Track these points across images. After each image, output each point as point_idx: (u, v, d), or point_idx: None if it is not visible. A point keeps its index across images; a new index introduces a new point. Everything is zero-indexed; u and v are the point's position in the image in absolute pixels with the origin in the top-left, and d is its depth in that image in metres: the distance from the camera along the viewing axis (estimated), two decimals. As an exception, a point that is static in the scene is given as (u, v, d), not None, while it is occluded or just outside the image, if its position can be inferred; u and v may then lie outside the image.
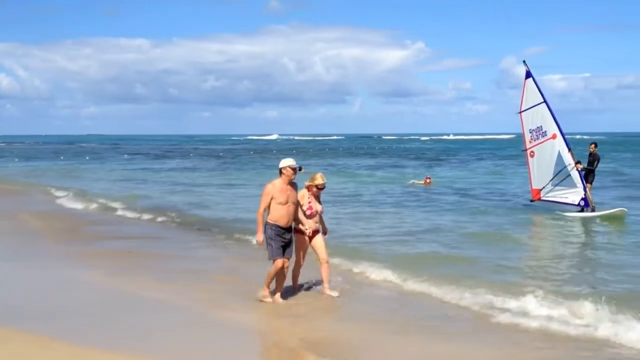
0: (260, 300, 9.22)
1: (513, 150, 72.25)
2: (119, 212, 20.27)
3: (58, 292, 10.02)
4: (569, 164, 18.92)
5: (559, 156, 19.35)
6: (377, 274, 11.11)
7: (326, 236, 9.88)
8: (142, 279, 10.94)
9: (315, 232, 9.68)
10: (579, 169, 18.82)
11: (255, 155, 70.61)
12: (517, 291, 9.45)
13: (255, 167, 47.31)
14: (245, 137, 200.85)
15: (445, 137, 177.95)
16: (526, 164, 20.56)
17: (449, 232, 15.77)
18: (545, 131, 19.60)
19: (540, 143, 19.86)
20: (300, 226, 9.50)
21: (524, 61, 20.35)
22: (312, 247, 9.70)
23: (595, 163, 19.32)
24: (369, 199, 24.09)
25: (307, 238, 9.58)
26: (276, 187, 9.15)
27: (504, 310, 8.73)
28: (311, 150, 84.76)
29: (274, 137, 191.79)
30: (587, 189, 18.78)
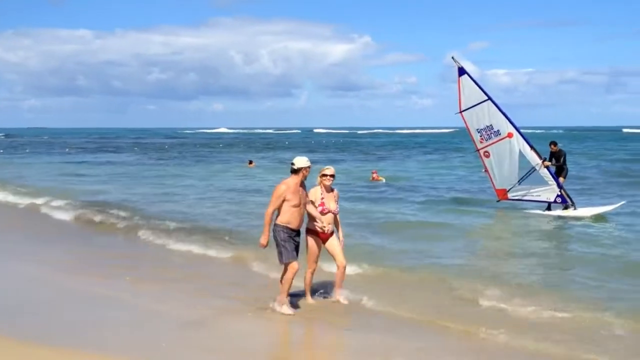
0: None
1: (458, 143, 73.64)
2: (54, 206, 19.81)
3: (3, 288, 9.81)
4: (537, 164, 18.38)
5: (522, 155, 18.71)
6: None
7: (342, 240, 9.12)
8: (86, 276, 10.81)
9: (330, 233, 8.97)
10: (547, 167, 18.31)
11: (202, 148, 69.83)
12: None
13: (201, 160, 46.89)
14: (196, 131, 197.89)
15: (391, 131, 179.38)
16: (482, 164, 19.73)
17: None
18: (498, 130, 18.83)
19: (494, 143, 19.05)
20: (315, 223, 8.80)
21: (452, 57, 19.25)
22: (328, 250, 8.99)
23: (562, 159, 18.74)
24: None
25: (320, 238, 8.88)
26: (290, 188, 8.51)
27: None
28: (258, 144, 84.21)
29: (223, 130, 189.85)
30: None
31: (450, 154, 54.38)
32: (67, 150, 66.04)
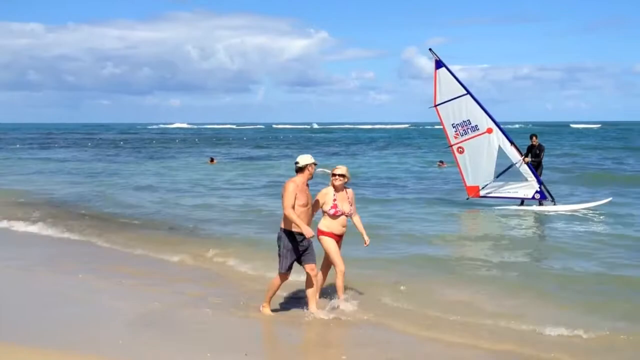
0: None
1: (414, 138, 74.40)
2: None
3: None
4: (518, 161, 18.11)
5: (501, 151, 18.34)
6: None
7: (367, 244, 8.68)
8: (40, 274, 10.72)
9: (341, 236, 8.55)
10: (527, 162, 18.09)
11: (158, 144, 68.94)
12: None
13: (157, 156, 46.31)
14: (153, 126, 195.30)
15: (350, 126, 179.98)
16: (454, 160, 19.22)
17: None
18: (476, 125, 18.36)
19: (470, 138, 18.55)
20: (334, 224, 8.41)
21: (430, 49, 18.72)
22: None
23: (542, 154, 18.61)
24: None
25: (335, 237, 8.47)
26: (298, 186, 8.06)
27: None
28: (214, 139, 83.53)
29: (180, 125, 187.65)
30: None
31: (406, 149, 55.04)
32: (17, 145, 64.41)
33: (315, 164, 8.23)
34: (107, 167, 35.65)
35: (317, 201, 8.47)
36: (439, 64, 18.59)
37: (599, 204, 17.70)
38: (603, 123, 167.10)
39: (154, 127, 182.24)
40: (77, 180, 26.98)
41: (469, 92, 18.47)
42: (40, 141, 74.52)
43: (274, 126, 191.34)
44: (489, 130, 18.36)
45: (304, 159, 8.20)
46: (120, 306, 8.67)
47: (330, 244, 8.45)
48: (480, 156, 18.53)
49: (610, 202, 17.83)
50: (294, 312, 8.56)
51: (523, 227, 16.08)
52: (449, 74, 18.57)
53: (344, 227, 8.49)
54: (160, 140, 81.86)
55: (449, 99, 18.56)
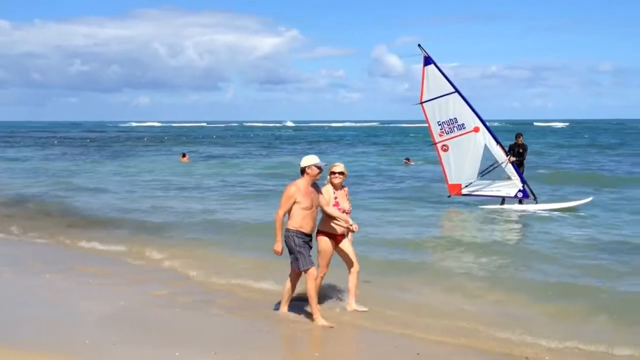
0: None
1: (383, 136, 74.66)
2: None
3: None
4: (504, 161, 18.09)
5: (486, 150, 18.27)
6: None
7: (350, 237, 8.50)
8: (13, 274, 10.63)
9: (343, 235, 8.37)
10: (512, 162, 18.13)
11: (126, 142, 68.20)
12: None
13: (125, 154, 45.84)
14: (121, 124, 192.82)
15: (320, 124, 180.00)
16: (438, 158, 18.98)
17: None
18: (463, 124, 18.20)
19: (456, 136, 18.38)
20: (336, 224, 8.18)
21: (419, 45, 18.45)
22: (339, 254, 8.40)
23: (525, 154, 18.73)
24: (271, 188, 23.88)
25: (332, 242, 8.27)
26: (300, 189, 7.88)
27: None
28: (184, 137, 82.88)
29: (150, 124, 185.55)
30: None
31: (375, 147, 55.49)
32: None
33: (316, 166, 7.93)
34: (71, 166, 35.16)
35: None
36: (427, 61, 18.31)
37: (580, 203, 17.85)
38: (569, 121, 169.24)
39: (123, 125, 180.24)
40: (40, 180, 26.53)
41: (457, 90, 18.27)
42: (4, 140, 73.16)
43: (245, 124, 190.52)
44: (476, 129, 18.22)
45: (304, 161, 7.99)
46: (88, 306, 8.62)
47: (325, 246, 8.26)
48: (465, 154, 18.39)
49: (590, 201, 17.95)
50: (267, 311, 8.58)
51: (497, 227, 15.98)
52: (437, 71, 18.31)
53: (338, 226, 8.28)
54: (129, 138, 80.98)
55: (436, 96, 18.33)
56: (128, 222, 16.09)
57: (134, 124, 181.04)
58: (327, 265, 8.34)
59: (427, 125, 18.70)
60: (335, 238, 8.29)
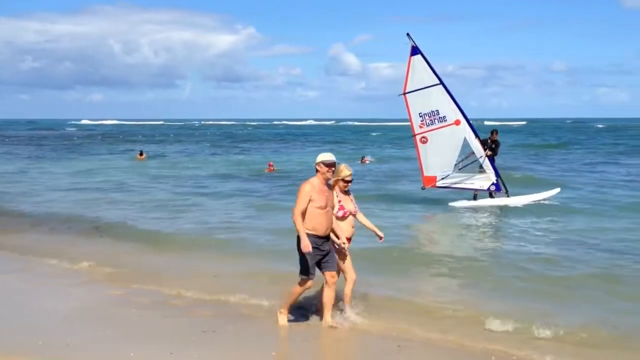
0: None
1: (339, 135, 74.86)
2: None
3: None
4: (482, 155, 18.17)
5: (465, 143, 18.23)
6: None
7: (381, 240, 8.19)
8: None
9: (349, 239, 8.00)
10: (488, 156, 18.23)
11: (79, 141, 67.02)
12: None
13: (77, 153, 45.07)
14: (75, 122, 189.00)
15: (278, 122, 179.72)
16: (415, 150, 18.79)
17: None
18: (444, 116, 18.05)
19: (436, 129, 18.23)
20: (338, 228, 7.79)
21: (407, 34, 18.11)
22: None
23: (497, 149, 18.89)
24: (232, 187, 23.70)
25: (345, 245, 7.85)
26: (315, 187, 7.45)
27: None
28: (140, 136, 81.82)
29: (105, 122, 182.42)
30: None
31: (330, 145, 55.80)
32: None
33: (324, 163, 7.50)
34: (20, 166, 34.20)
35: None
36: (414, 51, 18.00)
37: (549, 195, 18.41)
38: (522, 120, 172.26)
39: (77, 122, 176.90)
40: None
41: (442, 82, 18.06)
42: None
43: (203, 122, 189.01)
44: (457, 122, 18.07)
45: (318, 158, 7.58)
46: (41, 307, 8.51)
47: (342, 252, 7.91)
48: (443, 147, 18.22)
49: (558, 192, 18.70)
50: (222, 311, 8.54)
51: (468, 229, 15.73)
52: (423, 61, 18.02)
53: (353, 227, 8.03)
54: (82, 136, 79.53)
55: (420, 87, 18.10)
56: (79, 221, 15.87)
57: (87, 122, 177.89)
58: (338, 273, 7.88)
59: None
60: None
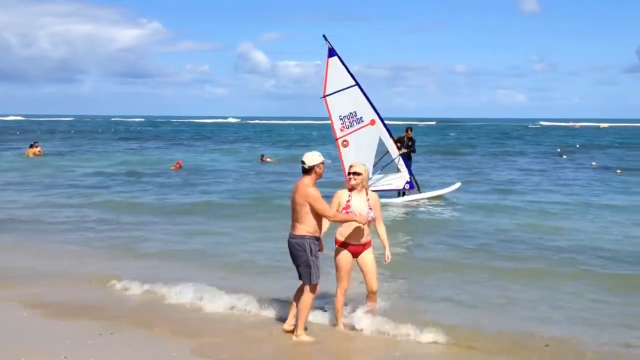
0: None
1: (243, 133, 74.63)
2: None
3: None
4: (397, 155, 18.31)
5: (381, 143, 18.22)
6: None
7: (388, 261, 7.62)
8: None
9: (363, 245, 7.51)
10: (401, 154, 18.42)
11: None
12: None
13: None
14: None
15: (185, 120, 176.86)
16: (338, 154, 18.35)
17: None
18: (361, 117, 18.03)
19: (355, 130, 18.15)
20: (341, 231, 7.47)
21: (323, 35, 18.09)
22: (359, 266, 7.60)
23: (413, 146, 19.28)
24: (158, 181, 23.13)
25: (349, 253, 7.48)
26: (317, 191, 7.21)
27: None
28: (39, 132, 78.51)
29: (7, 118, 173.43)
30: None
31: (234, 144, 55.79)
32: None
33: (323, 163, 7.32)
34: None
35: (333, 204, 7.48)
36: (331, 52, 17.96)
37: (452, 189, 19.40)
38: (430, 120, 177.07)
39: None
40: None
41: (357, 84, 18.11)
42: None
43: (108, 119, 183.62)
44: (372, 122, 18.11)
45: (311, 159, 7.27)
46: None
47: (340, 258, 7.51)
48: (361, 149, 18.14)
49: (459, 187, 19.76)
50: (115, 313, 8.43)
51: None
52: (339, 63, 18.04)
53: (346, 233, 7.48)
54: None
55: (338, 89, 18.05)
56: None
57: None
58: (346, 280, 7.56)
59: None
60: (349, 249, 7.52)
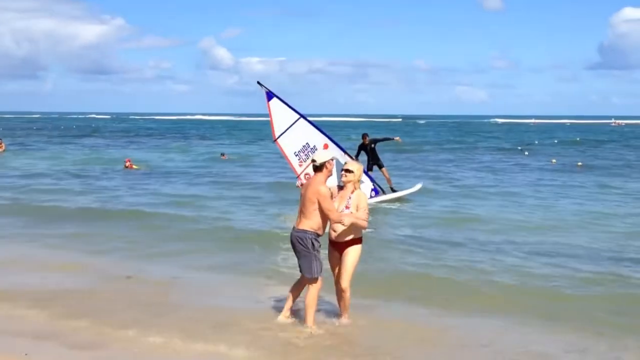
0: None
1: (207, 130, 74.11)
2: None
3: None
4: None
5: (338, 163, 18.10)
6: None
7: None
8: None
9: (345, 243, 7.59)
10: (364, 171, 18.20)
11: None
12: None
13: None
14: None
15: (147, 117, 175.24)
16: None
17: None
18: (314, 146, 18.07)
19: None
20: (331, 229, 7.59)
21: (258, 82, 18.29)
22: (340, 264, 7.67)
23: (374, 148, 19.65)
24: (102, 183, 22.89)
25: (334, 249, 7.65)
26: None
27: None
28: (1, 128, 76.89)
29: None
30: (386, 173, 19.73)
31: (196, 140, 55.63)
32: None
33: (333, 160, 7.55)
34: None
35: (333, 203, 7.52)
36: (270, 96, 18.16)
37: (414, 190, 19.62)
38: (388, 116, 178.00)
39: None
40: None
41: (301, 115, 18.23)
42: None
43: (69, 116, 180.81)
44: (325, 147, 18.17)
45: (321, 156, 7.51)
46: None
47: (329, 257, 7.74)
48: None
49: (420, 188, 19.85)
50: (79, 308, 8.38)
51: None
52: (280, 102, 18.22)
53: (335, 231, 7.59)
54: None
55: (286, 128, 18.16)
56: None
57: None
58: (335, 276, 7.74)
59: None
60: (334, 246, 7.70)
